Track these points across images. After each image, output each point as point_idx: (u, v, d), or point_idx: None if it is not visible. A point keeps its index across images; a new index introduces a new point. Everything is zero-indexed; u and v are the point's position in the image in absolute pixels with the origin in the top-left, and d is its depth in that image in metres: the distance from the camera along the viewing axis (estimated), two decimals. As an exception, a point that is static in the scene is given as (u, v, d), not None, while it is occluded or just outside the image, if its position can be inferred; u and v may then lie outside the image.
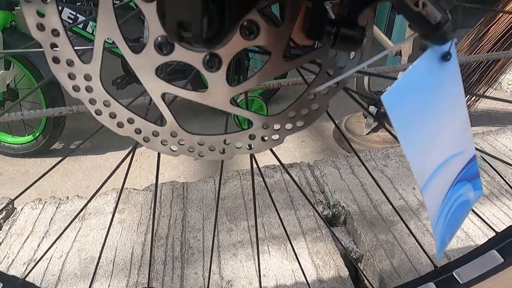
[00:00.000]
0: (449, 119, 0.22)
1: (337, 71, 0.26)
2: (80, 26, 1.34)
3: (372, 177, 0.46)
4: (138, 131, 0.28)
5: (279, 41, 0.25)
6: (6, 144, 1.50)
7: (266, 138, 0.29)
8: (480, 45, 1.22)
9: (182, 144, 0.29)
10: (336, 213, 0.89)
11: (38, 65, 1.34)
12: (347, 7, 0.22)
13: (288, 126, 0.28)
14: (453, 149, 0.23)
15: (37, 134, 1.46)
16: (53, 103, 1.31)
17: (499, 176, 0.91)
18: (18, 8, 1.29)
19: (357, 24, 0.22)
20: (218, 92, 0.26)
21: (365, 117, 1.44)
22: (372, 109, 1.36)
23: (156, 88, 0.26)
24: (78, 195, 0.99)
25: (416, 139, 0.20)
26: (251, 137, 0.29)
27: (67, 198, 0.99)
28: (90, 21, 1.34)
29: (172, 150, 0.29)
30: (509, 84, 1.70)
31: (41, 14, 0.23)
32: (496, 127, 1.28)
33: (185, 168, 1.42)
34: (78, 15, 1.35)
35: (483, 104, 1.59)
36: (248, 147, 0.29)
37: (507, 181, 0.90)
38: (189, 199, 0.94)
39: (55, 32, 0.24)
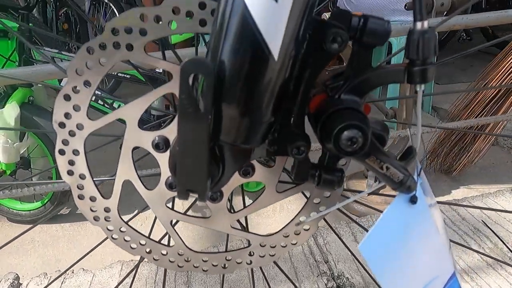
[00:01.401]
0: (424, 251, 0.25)
1: (323, 200, 0.30)
2: (93, 99, 1.43)
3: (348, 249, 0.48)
4: (148, 251, 0.31)
5: (272, 178, 0.29)
6: (14, 210, 1.53)
7: (263, 255, 0.32)
8: (471, 108, 1.28)
9: (188, 261, 0.32)
10: (341, 284, 0.89)
11: (51, 135, 1.41)
12: (327, 158, 0.26)
13: (283, 243, 0.32)
14: (430, 275, 0.25)
15: (45, 201, 1.49)
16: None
17: (502, 243, 0.92)
18: (38, 85, 1.39)
19: (336, 168, 0.26)
20: (220, 219, 0.30)
21: (366, 177, 1.47)
22: (372, 173, 1.39)
23: (165, 216, 0.30)
24: (83, 269, 1.00)
25: (393, 276, 0.23)
26: (250, 254, 0.32)
27: (72, 272, 0.99)
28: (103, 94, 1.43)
29: (179, 266, 0.32)
30: (505, 140, 1.74)
31: (71, 162, 0.28)
32: (495, 188, 1.30)
33: (189, 233, 1.43)
34: (91, 89, 1.45)
35: (483, 161, 1.62)
36: (248, 263, 0.32)
37: (511, 249, 0.90)
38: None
39: (82, 176, 0.28)
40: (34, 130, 1.40)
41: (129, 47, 0.24)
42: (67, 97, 0.26)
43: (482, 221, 1.01)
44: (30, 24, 1.39)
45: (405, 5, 1.14)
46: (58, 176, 1.47)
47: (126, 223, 0.30)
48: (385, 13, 1.81)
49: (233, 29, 0.19)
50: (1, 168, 1.47)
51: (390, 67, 0.22)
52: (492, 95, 1.28)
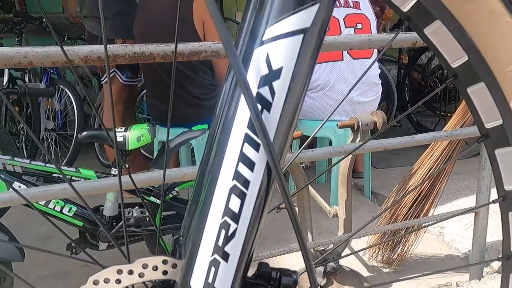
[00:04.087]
0: None
1: None
2: (42, 203, 1.41)
3: None
4: None
5: None
6: None
7: None
8: (397, 212, 1.46)
9: None
10: None
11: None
12: None
13: None
14: None
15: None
16: None
17: None
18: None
19: None
20: None
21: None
22: (320, 268, 1.48)
23: None
24: None
25: None
26: None
27: None
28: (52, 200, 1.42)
29: None
30: (434, 228, 1.95)
31: None
32: (430, 280, 1.44)
33: None
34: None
35: (417, 249, 1.78)
36: None
37: None
38: None
39: None
40: None
41: (107, 293, 0.32)
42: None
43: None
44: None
45: (337, 124, 1.34)
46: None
47: None
48: (325, 113, 2.07)
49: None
50: None
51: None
52: (414, 198, 1.48)
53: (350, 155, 1.28)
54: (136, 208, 1.45)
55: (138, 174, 0.89)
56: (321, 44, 0.25)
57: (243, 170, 0.25)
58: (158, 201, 1.48)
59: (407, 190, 1.41)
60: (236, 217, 0.25)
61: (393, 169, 2.94)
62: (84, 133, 1.36)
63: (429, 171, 1.33)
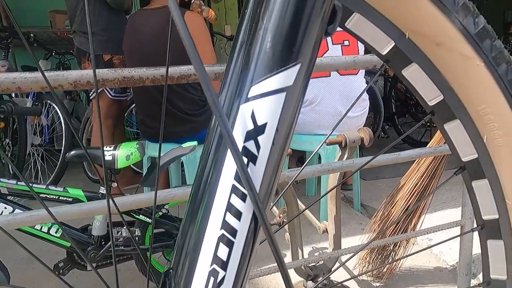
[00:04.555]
0: None
1: None
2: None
3: None
4: None
5: None
6: None
7: None
8: (386, 226, 1.48)
9: None
10: None
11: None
12: None
13: None
14: None
15: None
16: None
17: None
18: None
19: None
20: None
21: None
22: (310, 284, 1.48)
23: None
24: None
25: None
26: None
27: None
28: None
29: None
30: (423, 240, 1.98)
31: None
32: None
33: None
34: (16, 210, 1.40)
35: (405, 263, 1.80)
36: None
37: None
38: None
39: None
40: None
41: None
42: None
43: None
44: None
45: (326, 143, 1.36)
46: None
47: None
48: (313, 127, 2.10)
49: None
50: None
51: None
52: (402, 213, 1.50)
53: (338, 173, 1.30)
54: (125, 227, 1.43)
55: (128, 197, 0.89)
56: (303, 98, 0.27)
57: (231, 219, 0.26)
58: (148, 220, 1.47)
59: (394, 204, 1.43)
60: (224, 265, 0.26)
61: (381, 181, 2.97)
62: (72, 152, 1.35)
63: (415, 185, 1.36)
